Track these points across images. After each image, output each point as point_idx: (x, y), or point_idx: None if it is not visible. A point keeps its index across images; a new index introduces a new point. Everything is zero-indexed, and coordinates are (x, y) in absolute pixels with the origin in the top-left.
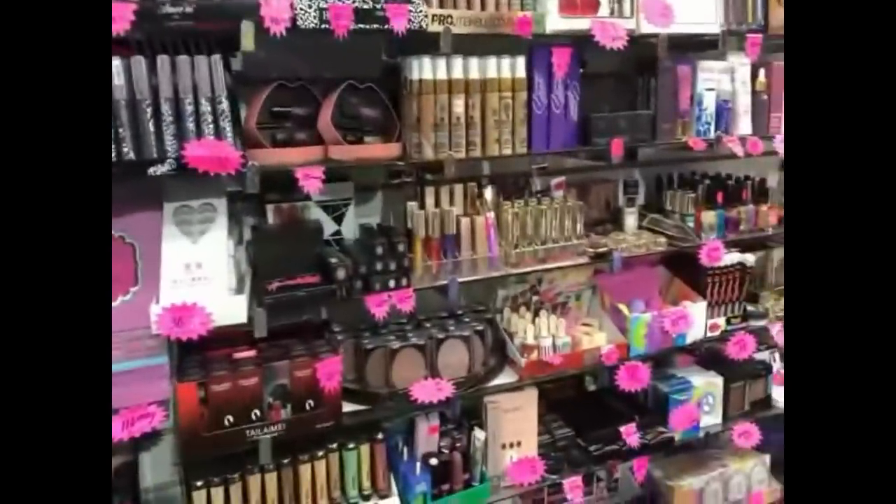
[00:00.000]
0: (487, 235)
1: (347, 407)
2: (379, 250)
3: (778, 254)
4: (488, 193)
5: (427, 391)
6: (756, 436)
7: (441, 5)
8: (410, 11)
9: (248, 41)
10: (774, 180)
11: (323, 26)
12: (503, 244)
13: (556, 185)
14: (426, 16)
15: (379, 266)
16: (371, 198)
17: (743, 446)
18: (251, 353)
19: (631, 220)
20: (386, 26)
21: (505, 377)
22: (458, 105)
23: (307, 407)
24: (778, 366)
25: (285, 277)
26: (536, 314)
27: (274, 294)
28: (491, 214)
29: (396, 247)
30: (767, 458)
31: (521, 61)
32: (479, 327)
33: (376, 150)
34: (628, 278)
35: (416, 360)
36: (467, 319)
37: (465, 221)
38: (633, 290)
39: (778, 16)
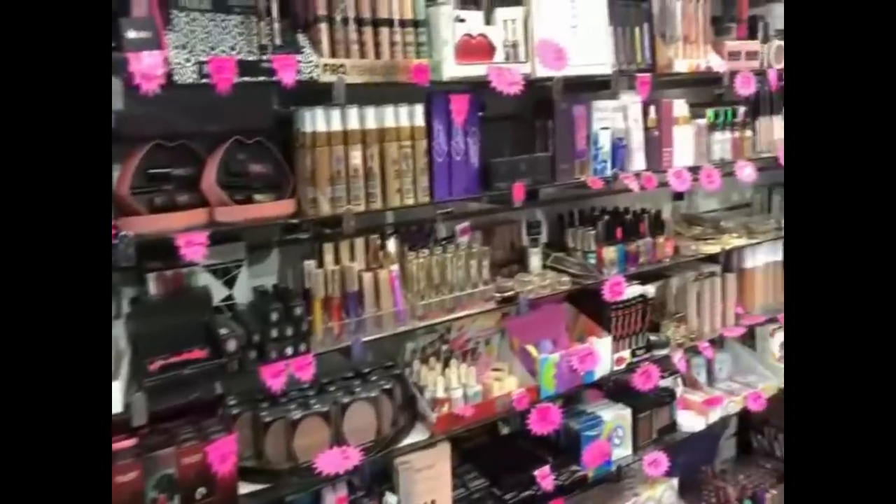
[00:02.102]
0: (392, 289)
1: (246, 488)
2: (274, 316)
3: (675, 282)
4: (391, 245)
5: (333, 461)
6: (664, 464)
7: (333, 55)
8: (300, 62)
9: (115, 100)
10: (668, 211)
11: (203, 80)
12: (409, 297)
13: (461, 231)
14: (317, 66)
15: (274, 333)
16: (265, 257)
17: (653, 475)
18: (129, 443)
19: (535, 260)
20: (273, 78)
21: (416, 435)
22: (356, 156)
23: (198, 496)
24: (681, 390)
25: (169, 354)
26: (447, 364)
27: (156, 375)
28: (395, 267)
29: (293, 310)
30: (675, 481)
31: (419, 109)
32: (387, 385)
33: (267, 208)
34: (536, 319)
35: (320, 428)
36: (374, 378)
37: (367, 277)
38: (541, 330)
39: (664, 55)
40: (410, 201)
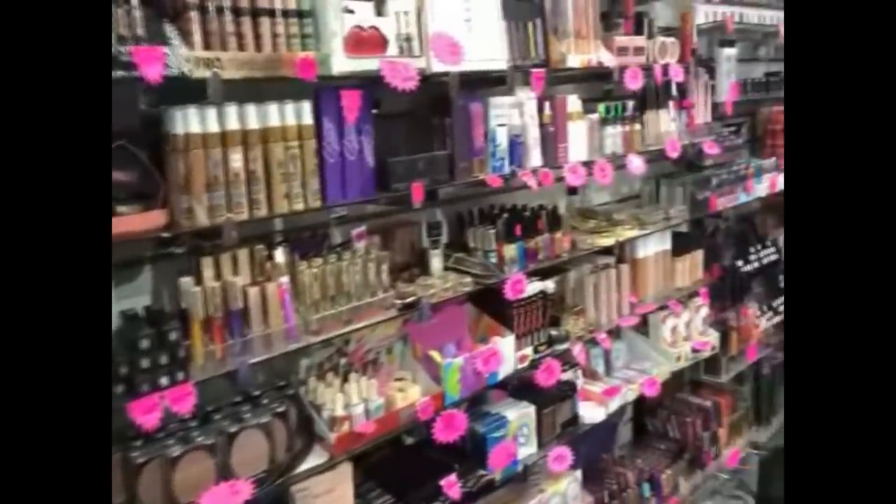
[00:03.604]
0: (282, 304)
1: None
2: (144, 343)
3: (573, 275)
4: (280, 255)
5: (220, 498)
6: (569, 458)
7: (207, 47)
8: (167, 55)
9: None
10: (564, 206)
11: None
12: (301, 310)
13: (356, 236)
14: (188, 60)
15: (145, 363)
16: (135, 276)
17: (558, 470)
18: None
19: (436, 262)
20: (135, 73)
21: (314, 458)
22: (236, 160)
23: None
24: (581, 382)
25: None
26: (346, 379)
27: None
28: (284, 279)
29: (167, 335)
30: (579, 472)
31: (306, 107)
32: (280, 408)
33: (133, 221)
34: (439, 322)
35: (205, 463)
36: (266, 401)
37: (253, 292)
38: (444, 334)
39: (556, 50)
40: (300, 206)
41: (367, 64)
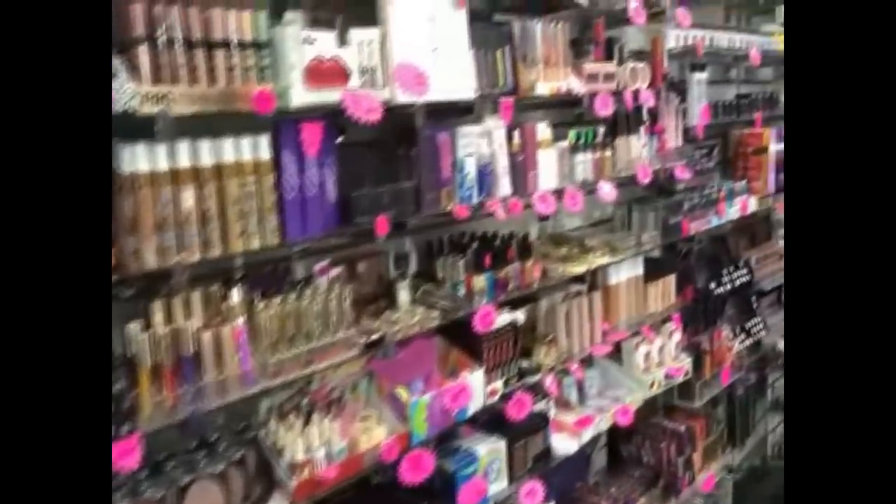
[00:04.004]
0: (237, 347)
1: None
2: None
3: (545, 304)
4: (236, 295)
5: None
6: (540, 493)
7: (157, 82)
8: (114, 90)
9: None
10: (535, 231)
11: None
12: (259, 353)
13: (319, 271)
14: (136, 95)
15: None
16: None
17: None
18: None
19: (404, 295)
20: None
21: None
22: (188, 198)
23: None
24: (553, 413)
25: None
26: (308, 420)
27: None
28: (240, 321)
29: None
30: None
31: (264, 141)
32: (237, 455)
33: None
34: (406, 357)
35: None
36: (223, 446)
37: (206, 336)
38: (412, 369)
39: (526, 78)
40: (257, 244)
41: (328, 96)
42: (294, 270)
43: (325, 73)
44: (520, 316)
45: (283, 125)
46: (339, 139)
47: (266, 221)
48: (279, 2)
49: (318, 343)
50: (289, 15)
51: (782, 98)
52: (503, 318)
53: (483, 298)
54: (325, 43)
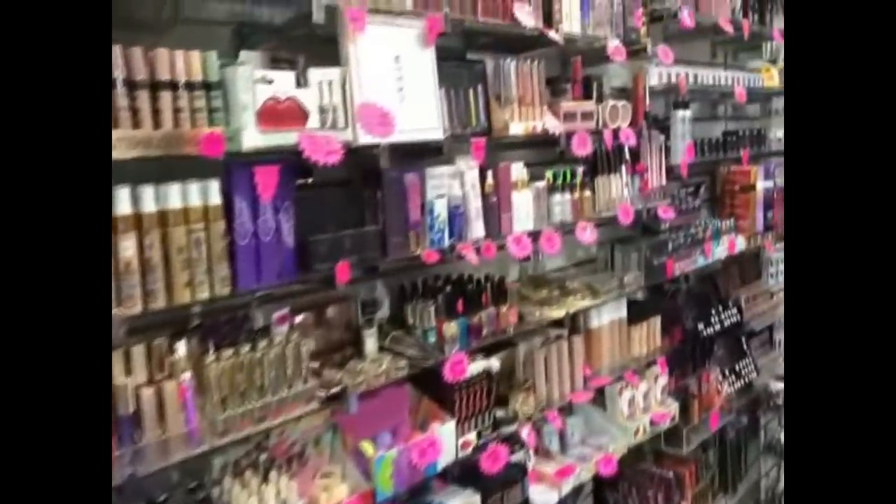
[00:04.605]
0: (182, 404)
1: None
2: None
3: (523, 348)
4: (181, 349)
5: None
6: None
7: None
8: None
9: None
10: (515, 272)
11: None
12: (207, 409)
13: (278, 320)
14: None
15: None
16: None
17: None
18: None
19: (371, 343)
20: None
21: None
22: (128, 248)
23: None
24: (533, 462)
25: None
26: (266, 476)
27: None
28: (186, 376)
29: None
30: None
31: (214, 186)
32: None
33: None
34: (374, 407)
35: None
36: None
37: (147, 393)
38: (380, 420)
39: (499, 118)
40: (205, 295)
41: (284, 138)
42: (253, 318)
43: (280, 114)
44: (494, 363)
45: (235, 169)
46: (307, 180)
47: (216, 270)
48: (241, 41)
49: (272, 398)
50: (244, 55)
51: (770, 134)
52: (477, 366)
53: (455, 346)
54: (282, 83)
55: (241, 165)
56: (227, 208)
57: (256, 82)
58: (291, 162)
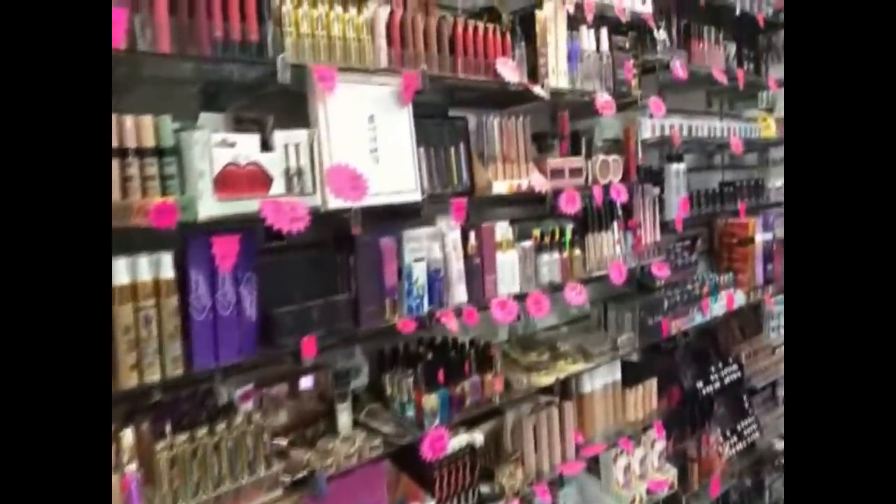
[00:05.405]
0: (127, 498)
1: None
2: None
3: (511, 417)
4: (128, 437)
5: None
6: None
7: None
8: None
9: None
10: (505, 332)
11: None
12: (157, 501)
13: (242, 397)
14: None
15: None
16: None
17: None
18: None
19: (344, 417)
20: None
21: None
22: None
23: None
24: None
25: None
26: None
27: None
28: (132, 468)
29: None
30: None
31: (167, 259)
32: None
33: None
34: (346, 486)
35: None
36: None
37: None
38: (355, 500)
39: (482, 176)
40: (155, 377)
41: (244, 205)
42: (217, 394)
43: (241, 179)
44: (478, 437)
45: (191, 239)
46: (274, 244)
47: (167, 350)
48: (207, 100)
49: (230, 486)
50: (203, 117)
51: (769, 184)
52: (459, 440)
53: (435, 420)
54: (245, 146)
55: (199, 235)
56: (183, 282)
57: (216, 146)
58: (258, 228)
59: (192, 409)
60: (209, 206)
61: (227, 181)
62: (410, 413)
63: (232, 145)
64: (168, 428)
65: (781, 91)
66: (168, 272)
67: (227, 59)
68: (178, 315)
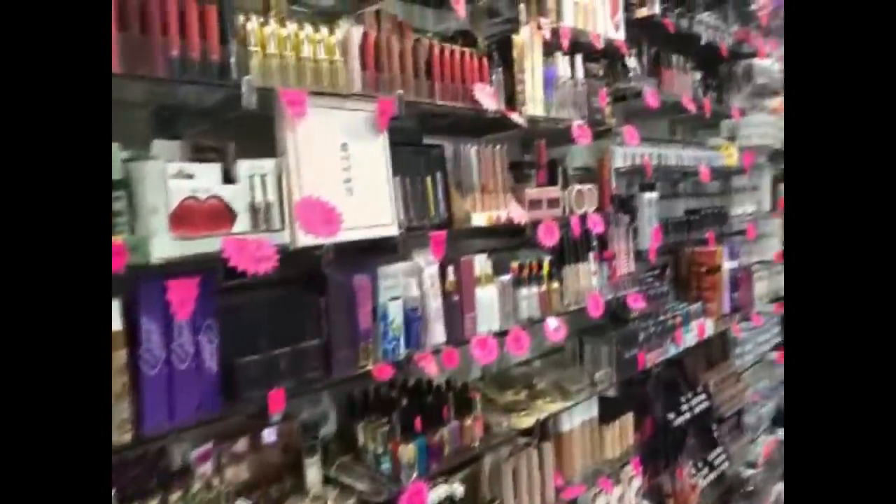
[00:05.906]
0: None
1: None
2: None
3: (489, 461)
4: None
5: None
6: None
7: None
8: None
9: None
10: (478, 370)
11: None
12: None
13: (199, 459)
14: None
15: None
16: None
17: None
18: None
19: (313, 473)
20: None
21: None
22: None
23: None
24: None
25: None
26: None
27: None
28: None
29: None
30: None
31: (114, 307)
32: None
33: None
34: None
35: None
36: None
37: None
38: None
39: (460, 207)
40: None
41: (204, 245)
42: (170, 456)
43: (200, 215)
44: (458, 489)
45: (143, 284)
46: (238, 282)
47: (114, 412)
48: (161, 126)
49: None
50: (157, 145)
51: (732, 212)
52: (438, 493)
53: (413, 472)
54: (205, 178)
55: (152, 279)
56: (133, 332)
57: (172, 178)
58: (218, 267)
59: (142, 474)
60: (164, 247)
61: (185, 217)
62: (386, 465)
63: (190, 177)
64: (117, 492)
65: (742, 120)
66: (115, 323)
67: (184, 80)
68: (126, 371)
